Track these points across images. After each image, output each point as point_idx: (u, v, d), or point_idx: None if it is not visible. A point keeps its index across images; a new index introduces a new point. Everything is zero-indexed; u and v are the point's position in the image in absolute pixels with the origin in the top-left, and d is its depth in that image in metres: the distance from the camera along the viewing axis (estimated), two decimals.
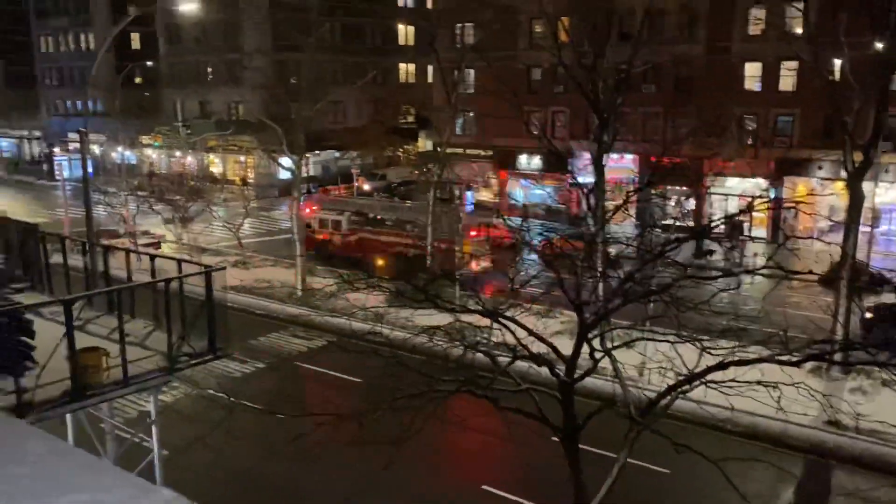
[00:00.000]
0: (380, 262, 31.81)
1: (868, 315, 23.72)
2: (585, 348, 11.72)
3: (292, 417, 12.67)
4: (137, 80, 70.80)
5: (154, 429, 12.79)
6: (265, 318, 29.51)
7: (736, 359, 10.56)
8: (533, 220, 15.72)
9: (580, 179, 21.18)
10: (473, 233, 32.75)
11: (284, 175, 49.04)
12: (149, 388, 12.11)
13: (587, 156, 27.21)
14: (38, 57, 78.15)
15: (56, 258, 15.21)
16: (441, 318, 12.48)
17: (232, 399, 19.12)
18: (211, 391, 21.32)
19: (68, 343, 10.25)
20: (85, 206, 17.75)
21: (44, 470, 1.28)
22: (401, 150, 56.25)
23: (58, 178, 44.56)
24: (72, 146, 63.54)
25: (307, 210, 35.96)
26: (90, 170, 19.46)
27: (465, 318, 12.11)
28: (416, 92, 62.08)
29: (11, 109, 76.61)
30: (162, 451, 12.91)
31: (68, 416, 12.89)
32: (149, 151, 64.39)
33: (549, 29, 34.18)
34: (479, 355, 11.83)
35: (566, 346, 12.32)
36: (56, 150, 66.15)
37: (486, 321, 11.93)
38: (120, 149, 59.25)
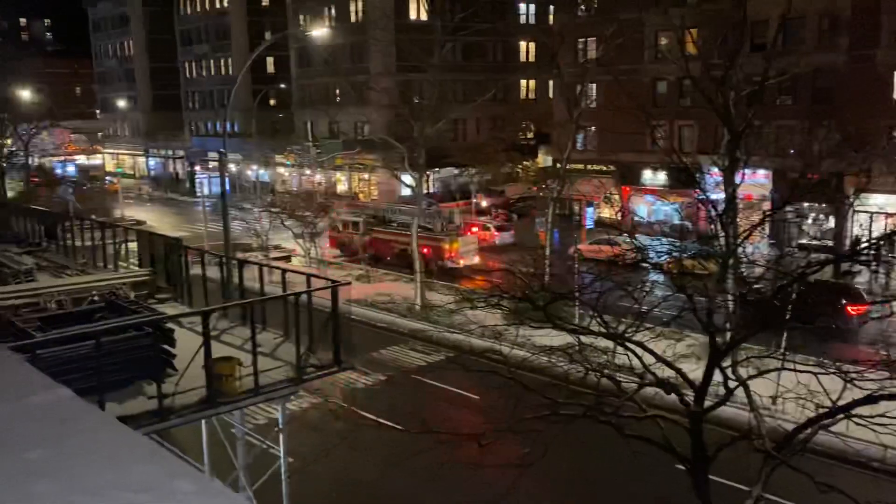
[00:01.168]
0: (387, 257, 36.66)
1: None
2: (716, 375, 11.08)
3: (413, 433, 12.76)
4: (272, 101, 74.87)
5: (282, 437, 13.23)
6: (386, 331, 30.04)
7: (887, 392, 9.64)
8: (659, 239, 15.09)
9: (710, 196, 20.22)
10: (474, 229, 38.67)
11: (406, 192, 50.17)
12: (278, 398, 12.55)
13: (716, 171, 25.98)
14: (182, 82, 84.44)
15: (195, 270, 16.18)
16: (562, 338, 12.19)
17: (355, 409, 19.53)
18: (335, 402, 21.90)
19: (205, 352, 10.79)
20: (223, 223, 18.75)
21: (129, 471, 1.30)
22: (520, 166, 56.07)
23: (199, 194, 47.62)
24: (211, 165, 68.09)
25: (336, 214, 41.05)
26: (227, 187, 20.63)
27: (586, 338, 11.77)
28: (536, 108, 61.75)
29: (159, 131, 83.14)
30: (288, 458, 13.33)
31: (202, 421, 13.57)
32: (281, 170, 67.74)
33: (676, 41, 33.06)
34: (601, 377, 11.44)
35: (693, 370, 11.70)
36: (197, 168, 70.99)
37: (607, 342, 11.54)
38: (254, 167, 62.75)
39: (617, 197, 48.72)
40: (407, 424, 16.55)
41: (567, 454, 13.87)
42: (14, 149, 49.16)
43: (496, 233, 44.52)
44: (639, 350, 11.12)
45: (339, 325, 12.46)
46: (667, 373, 11.32)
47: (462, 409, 20.87)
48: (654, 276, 14.89)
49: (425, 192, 46.59)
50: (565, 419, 10.42)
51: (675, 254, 13.60)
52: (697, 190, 16.39)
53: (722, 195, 22.48)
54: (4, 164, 47.28)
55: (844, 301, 25.31)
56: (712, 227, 16.76)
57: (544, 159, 56.86)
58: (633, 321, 11.88)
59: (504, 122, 60.97)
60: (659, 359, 11.20)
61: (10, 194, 46.41)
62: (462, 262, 37.32)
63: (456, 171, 60.85)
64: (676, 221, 37.01)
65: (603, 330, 11.28)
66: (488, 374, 11.84)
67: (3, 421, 1.56)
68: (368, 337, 28.14)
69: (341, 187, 64.21)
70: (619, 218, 46.32)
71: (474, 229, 38.55)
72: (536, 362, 11.85)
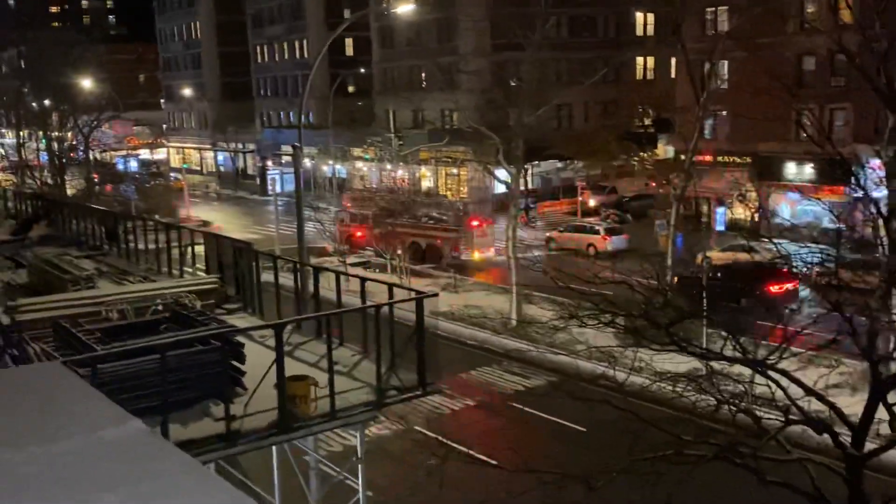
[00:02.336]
0: (399, 250, 38.63)
1: None
2: (880, 411, 10.50)
3: (510, 471, 12.66)
4: (350, 88, 76.55)
5: (360, 468, 13.40)
6: (477, 349, 30.09)
7: None
8: (808, 245, 14.45)
9: (870, 194, 19.24)
10: (475, 222, 42.36)
11: (500, 189, 50.09)
12: (356, 423, 12.74)
13: (877, 163, 24.67)
14: (253, 67, 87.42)
15: (266, 277, 16.67)
16: (688, 364, 11.85)
17: (441, 439, 19.61)
18: (418, 428, 22.07)
19: (277, 370, 11.05)
20: (297, 225, 19.23)
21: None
22: (635, 158, 55.13)
23: (270, 193, 49.18)
24: (284, 159, 70.23)
25: (346, 205, 45.06)
26: (301, 184, 21.20)
27: (718, 364, 11.39)
28: (655, 90, 60.54)
29: (227, 122, 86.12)
30: (367, 492, 13.49)
31: (273, 447, 13.92)
32: (360, 164, 69.12)
33: (828, 7, 31.68)
34: (736, 411, 11.03)
35: (850, 405, 11.13)
36: (269, 163, 73.41)
37: (743, 368, 11.13)
38: (331, 162, 64.28)
39: (754, 194, 47.11)
40: (502, 460, 16.48)
41: (697, 501, 13.45)
42: (74, 143, 52.19)
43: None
44: (783, 380, 10.66)
45: (425, 342, 12.54)
46: (816, 406, 10.81)
47: (567, 445, 20.63)
48: (803, 291, 14.27)
49: (522, 188, 46.45)
50: (692, 461, 10.10)
51: (827, 264, 12.98)
52: (854, 186, 15.58)
53: (885, 192, 21.36)
54: (64, 160, 50.25)
55: None
56: (873, 231, 15.93)
57: (665, 150, 55.69)
58: (776, 345, 11.38)
59: (616, 106, 60.09)
60: (808, 391, 10.71)
61: (69, 192, 49.22)
62: (478, 255, 41.81)
63: (559, 165, 60.42)
64: (828, 224, 35.39)
65: (738, 355, 10.88)
66: (599, 403, 11.65)
67: (76, 458, 1.60)
68: (457, 356, 28.22)
69: (426, 184, 64.86)
70: (757, 219, 44.90)
71: (475, 223, 42.58)
72: (657, 391, 11.56)
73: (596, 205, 54.29)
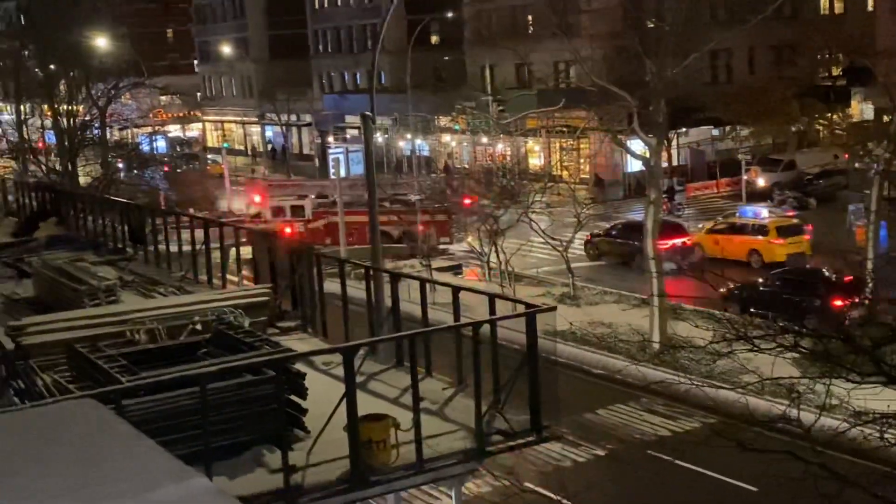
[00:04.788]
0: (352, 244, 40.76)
1: None
2: None
3: None
4: (433, 39, 77.07)
5: None
6: (605, 380, 29.95)
7: None
8: None
9: None
10: (468, 200, 43.58)
11: (635, 166, 49.46)
12: (449, 478, 12.82)
13: None
14: (309, 16, 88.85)
15: (331, 286, 16.93)
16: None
17: (562, 501, 19.53)
18: (530, 486, 22.03)
19: (347, 407, 11.21)
20: (369, 218, 19.45)
21: None
22: (820, 121, 53.78)
23: (332, 176, 50.09)
24: (349, 134, 71.21)
25: (254, 199, 46.83)
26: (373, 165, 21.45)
27: None
28: (845, 29, 58.86)
29: (277, 88, 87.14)
30: None
31: None
32: (447, 138, 69.52)
33: None
34: None
35: None
36: (330, 139, 74.62)
37: None
38: (409, 136, 64.86)
39: None
40: None
41: None
42: (87, 118, 54.02)
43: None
44: None
45: (539, 372, 12.51)
46: None
47: None
48: None
49: (665, 164, 45.85)
50: None
51: None
52: None
53: None
54: (76, 141, 52.03)
55: None
56: None
57: (861, 109, 54.13)
58: None
59: (794, 52, 58.71)
60: None
61: (82, 181, 51.00)
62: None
63: (715, 133, 59.50)
64: None
65: None
66: (776, 454, 11.41)
67: None
68: (579, 388, 28.13)
69: (535, 160, 64.70)
70: None
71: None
72: (858, 438, 11.23)
73: (767, 185, 53.06)
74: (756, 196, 52.07)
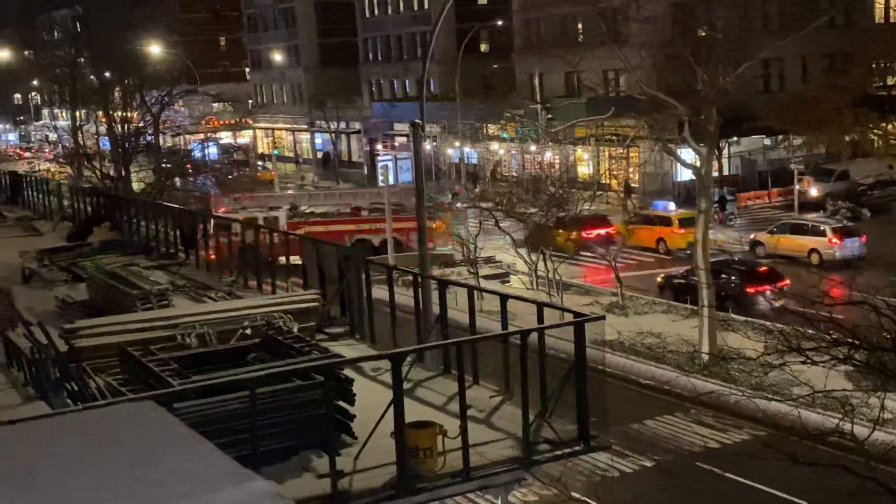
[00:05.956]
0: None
1: None
2: None
3: None
4: (483, 47, 77.15)
5: None
6: (654, 391, 29.80)
7: None
8: None
9: None
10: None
11: (685, 175, 49.03)
12: (496, 486, 12.83)
13: None
14: (359, 24, 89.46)
15: (379, 293, 16.99)
16: None
17: None
18: (578, 496, 21.90)
19: (395, 414, 11.26)
20: (418, 227, 19.53)
21: None
22: (875, 131, 53.08)
23: (381, 183, 50.23)
24: (398, 142, 71.45)
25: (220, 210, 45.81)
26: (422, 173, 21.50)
27: None
28: None
29: (326, 95, 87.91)
30: None
31: None
32: (495, 146, 69.50)
33: None
34: None
35: None
36: (378, 147, 74.94)
37: None
38: (457, 144, 64.94)
39: None
40: None
41: None
42: (141, 125, 54.81)
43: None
44: None
45: (587, 381, 12.46)
46: None
47: None
48: None
49: (716, 174, 45.48)
50: None
51: None
52: None
53: None
54: (129, 147, 52.79)
55: None
56: None
57: None
58: None
59: (848, 61, 57.91)
60: None
61: (136, 186, 51.77)
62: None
63: (767, 142, 58.89)
64: None
65: None
66: (829, 468, 11.25)
67: None
68: (627, 399, 28.00)
69: (584, 169, 64.43)
70: None
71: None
72: None
73: (819, 195, 52.41)
74: (808, 206, 51.50)
